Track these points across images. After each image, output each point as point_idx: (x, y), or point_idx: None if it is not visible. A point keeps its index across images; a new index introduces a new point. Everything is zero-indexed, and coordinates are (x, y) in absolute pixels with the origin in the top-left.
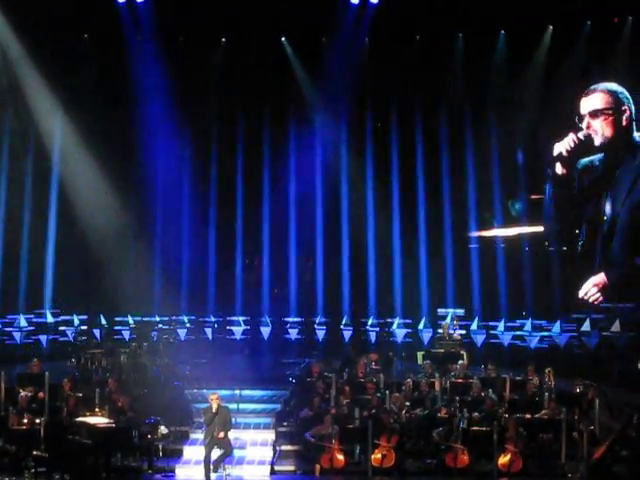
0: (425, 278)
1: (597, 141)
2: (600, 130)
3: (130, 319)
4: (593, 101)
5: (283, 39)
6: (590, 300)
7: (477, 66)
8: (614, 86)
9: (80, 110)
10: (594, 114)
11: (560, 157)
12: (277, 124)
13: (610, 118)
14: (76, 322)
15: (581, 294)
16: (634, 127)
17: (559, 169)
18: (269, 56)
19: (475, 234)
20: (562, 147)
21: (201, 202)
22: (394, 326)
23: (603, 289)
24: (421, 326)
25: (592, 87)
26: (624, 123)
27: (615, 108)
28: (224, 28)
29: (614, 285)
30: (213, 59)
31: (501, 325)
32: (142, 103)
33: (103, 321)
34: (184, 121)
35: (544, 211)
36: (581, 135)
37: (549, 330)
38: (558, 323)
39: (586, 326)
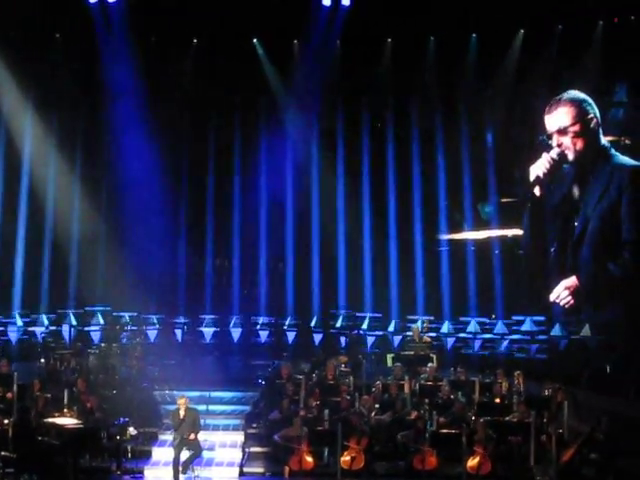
0: (395, 279)
1: (571, 156)
2: (571, 146)
3: (100, 318)
4: (558, 118)
5: (255, 41)
6: (561, 303)
7: (448, 69)
8: (576, 94)
9: (51, 109)
10: (562, 132)
11: (538, 180)
12: (248, 126)
13: (578, 131)
14: (45, 322)
15: (552, 297)
16: (601, 132)
17: (537, 191)
18: (241, 57)
19: (445, 237)
20: (539, 170)
21: (172, 202)
22: (364, 324)
23: (574, 292)
24: (391, 328)
25: (554, 100)
26: (592, 132)
27: (581, 119)
28: (196, 29)
29: (586, 288)
30: (185, 60)
31: (471, 326)
32: (113, 103)
33: (73, 321)
34: (155, 121)
35: (523, 224)
36: (554, 154)
37: (520, 332)
38: (528, 323)
39: (556, 330)
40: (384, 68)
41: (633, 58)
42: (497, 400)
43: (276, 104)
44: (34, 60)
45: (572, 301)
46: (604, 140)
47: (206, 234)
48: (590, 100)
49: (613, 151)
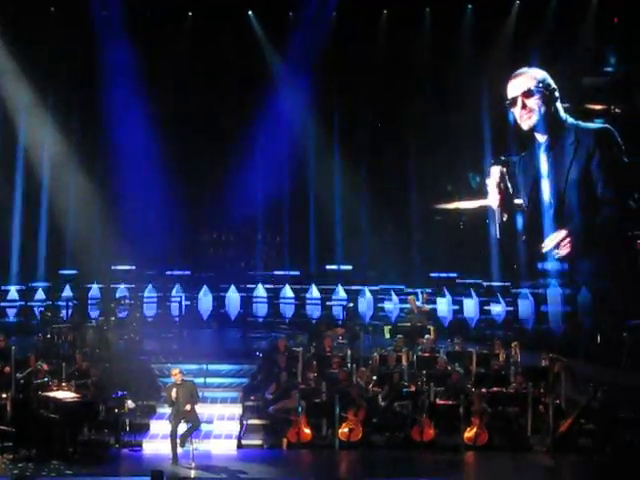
0: (393, 247)
1: (532, 121)
2: (536, 107)
3: (96, 287)
4: (524, 82)
5: (250, 13)
6: (554, 253)
7: (444, 41)
8: (539, 70)
9: (46, 83)
10: (528, 93)
11: (500, 205)
12: (243, 98)
13: (544, 96)
14: (42, 294)
15: (545, 249)
16: (560, 106)
17: (505, 216)
18: (236, 30)
19: (440, 206)
20: (494, 200)
21: (168, 177)
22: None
23: (564, 242)
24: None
25: (518, 71)
26: (553, 103)
27: (546, 86)
28: (191, 2)
29: (578, 237)
30: (180, 33)
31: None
32: (109, 75)
33: (69, 292)
34: (151, 95)
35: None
36: (496, 175)
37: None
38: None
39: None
40: (379, 40)
41: (625, 28)
42: (494, 371)
43: (271, 76)
44: (29, 33)
45: (565, 251)
46: (562, 112)
47: (203, 208)
48: (549, 77)
49: (572, 120)
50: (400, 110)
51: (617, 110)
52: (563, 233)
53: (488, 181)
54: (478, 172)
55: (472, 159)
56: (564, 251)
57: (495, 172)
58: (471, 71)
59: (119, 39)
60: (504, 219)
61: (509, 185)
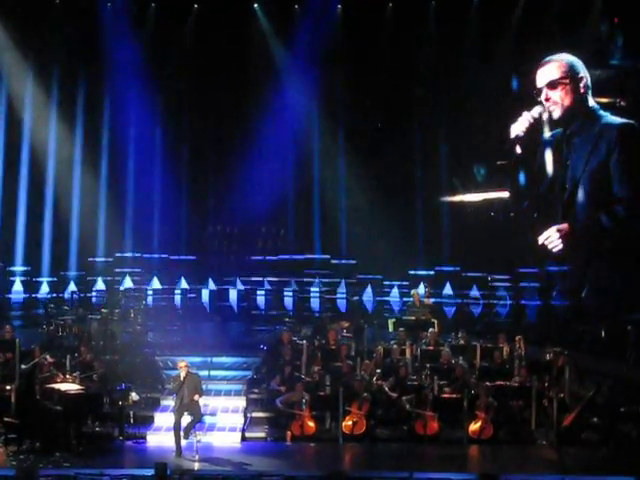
0: (397, 241)
1: (558, 112)
2: (560, 100)
3: (100, 282)
4: (549, 72)
5: (255, 6)
6: (550, 246)
7: (450, 33)
8: (568, 56)
9: (50, 74)
10: (552, 85)
11: (518, 139)
12: (249, 91)
13: (568, 87)
14: (45, 288)
15: (541, 240)
16: (590, 94)
17: (518, 149)
18: (241, 23)
19: (445, 199)
20: (518, 129)
21: (172, 168)
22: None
23: (565, 237)
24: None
25: (547, 59)
26: (581, 91)
27: (572, 76)
28: None
29: (577, 234)
30: (185, 25)
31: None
32: (114, 69)
33: (73, 287)
34: (155, 86)
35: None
36: (535, 113)
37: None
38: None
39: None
40: (384, 33)
41: (630, 22)
42: (498, 365)
43: (277, 69)
44: (33, 25)
45: (561, 245)
46: (592, 101)
47: (208, 201)
48: (582, 64)
49: (602, 112)
50: (405, 103)
51: (622, 103)
52: (564, 227)
53: (525, 113)
54: (483, 164)
55: (478, 151)
56: (556, 245)
57: (537, 110)
58: (477, 64)
59: (124, 32)
60: (519, 152)
61: (542, 127)
